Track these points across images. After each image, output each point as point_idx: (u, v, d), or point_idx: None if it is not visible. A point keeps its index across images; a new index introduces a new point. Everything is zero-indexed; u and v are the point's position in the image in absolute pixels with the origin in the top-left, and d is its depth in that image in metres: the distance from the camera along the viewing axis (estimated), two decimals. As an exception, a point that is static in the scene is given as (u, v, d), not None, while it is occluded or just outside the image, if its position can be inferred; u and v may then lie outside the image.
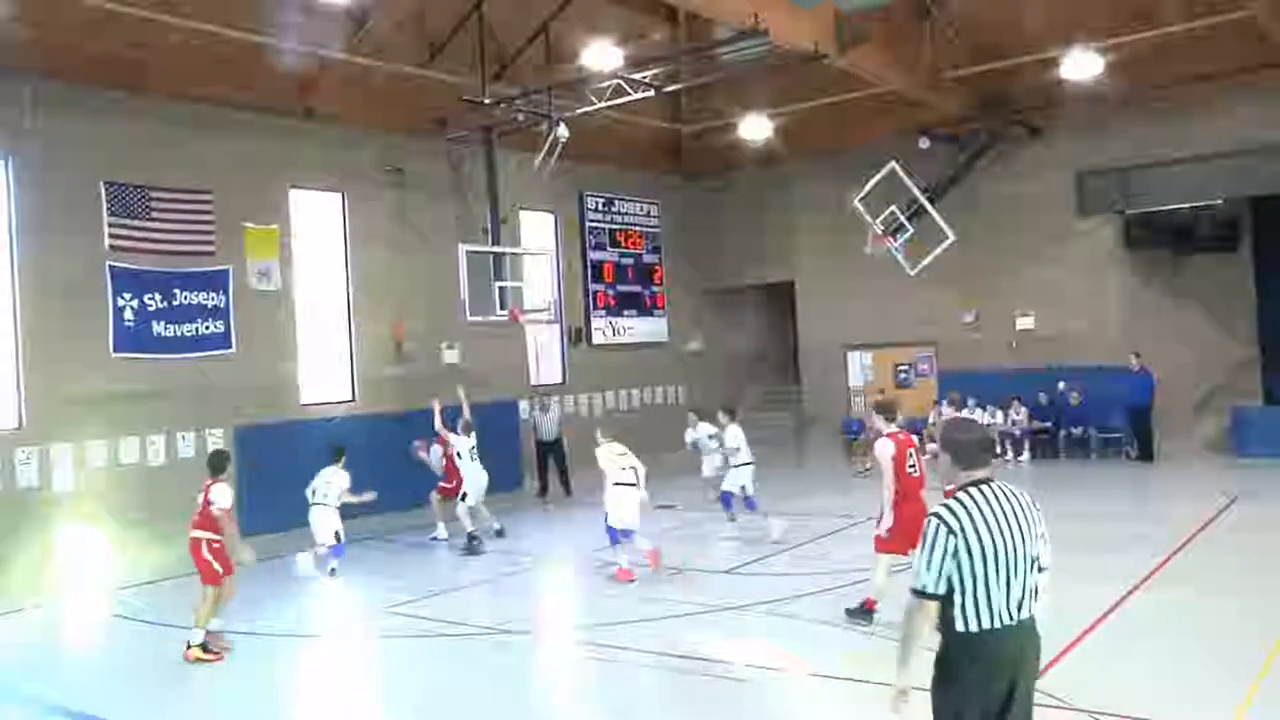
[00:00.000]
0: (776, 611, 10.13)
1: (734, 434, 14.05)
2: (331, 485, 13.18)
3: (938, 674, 4.47)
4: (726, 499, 14.23)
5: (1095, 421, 20.01)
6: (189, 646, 9.44)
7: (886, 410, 9.75)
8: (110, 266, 14.90)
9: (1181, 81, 18.75)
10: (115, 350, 14.94)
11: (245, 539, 15.31)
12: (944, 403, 12.65)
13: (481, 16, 17.34)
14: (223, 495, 9.61)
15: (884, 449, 9.31)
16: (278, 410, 16.70)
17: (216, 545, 9.67)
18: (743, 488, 13.89)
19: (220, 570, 9.70)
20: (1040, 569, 4.56)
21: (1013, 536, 4.42)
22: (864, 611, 9.34)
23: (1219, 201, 19.24)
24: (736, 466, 13.97)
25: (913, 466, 9.40)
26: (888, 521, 9.23)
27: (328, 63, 16.95)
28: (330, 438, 14.35)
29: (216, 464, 9.96)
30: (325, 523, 13.21)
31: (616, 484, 11.93)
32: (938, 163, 20.58)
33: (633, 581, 11.63)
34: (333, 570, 13.07)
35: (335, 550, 13.17)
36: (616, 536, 11.96)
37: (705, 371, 25.11)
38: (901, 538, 9.10)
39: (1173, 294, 20.12)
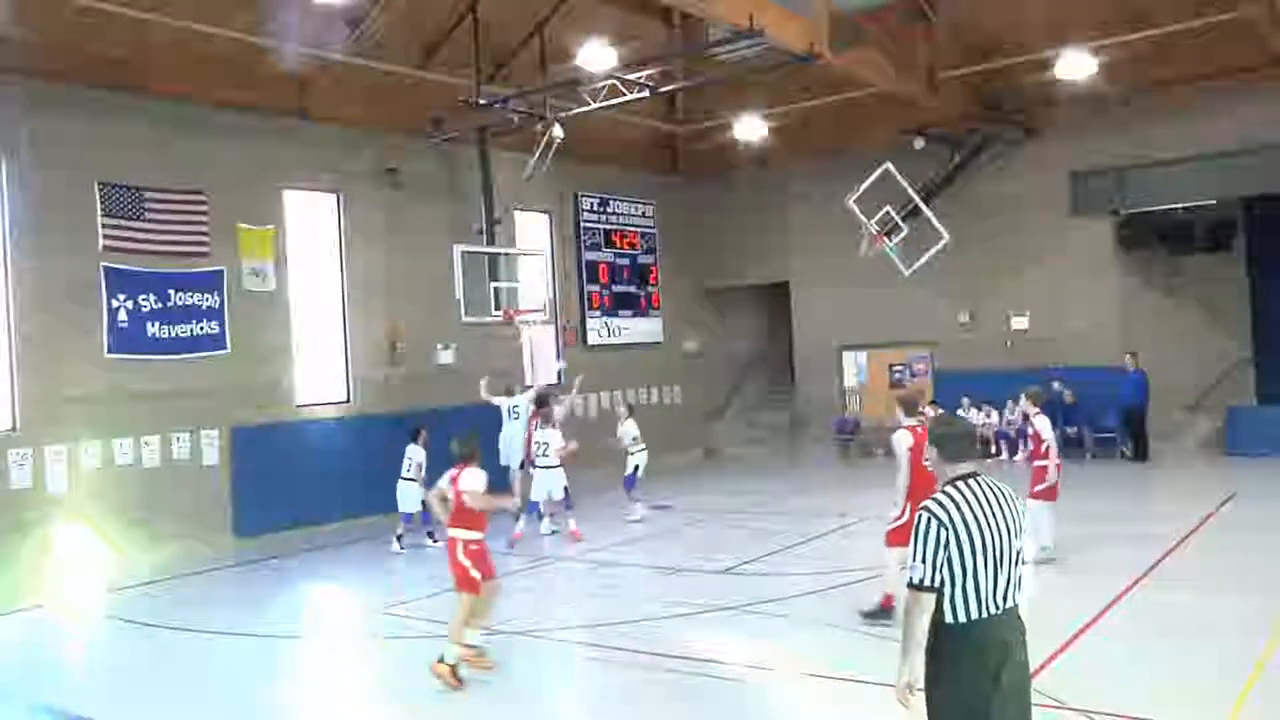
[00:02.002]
0: (773, 611, 10.13)
1: (628, 427, 16.36)
2: (412, 461, 14.40)
3: (931, 668, 4.55)
4: (631, 480, 16.23)
5: (1090, 421, 20.04)
6: (440, 660, 8.21)
7: (908, 403, 9.68)
8: (104, 268, 14.86)
9: (1176, 82, 18.77)
10: (109, 351, 14.89)
11: (240, 540, 15.59)
12: (1023, 399, 12.58)
13: (476, 17, 17.33)
14: (475, 480, 8.37)
15: (901, 440, 9.25)
16: (273, 411, 16.68)
17: (475, 546, 8.41)
18: (636, 468, 16.14)
19: (479, 575, 8.40)
20: (1024, 561, 4.70)
21: (999, 528, 4.56)
22: (882, 611, 9.20)
23: (1213, 202, 19.27)
24: (632, 454, 16.18)
25: (928, 460, 9.33)
26: (904, 516, 9.01)
27: (323, 63, 16.94)
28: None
29: (465, 448, 8.61)
30: (409, 495, 14.34)
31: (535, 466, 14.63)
32: (933, 163, 20.60)
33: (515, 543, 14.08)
34: (399, 537, 14.39)
35: (405, 519, 14.51)
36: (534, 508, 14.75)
37: (701, 372, 25.10)
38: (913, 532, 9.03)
39: (1167, 294, 20.15)
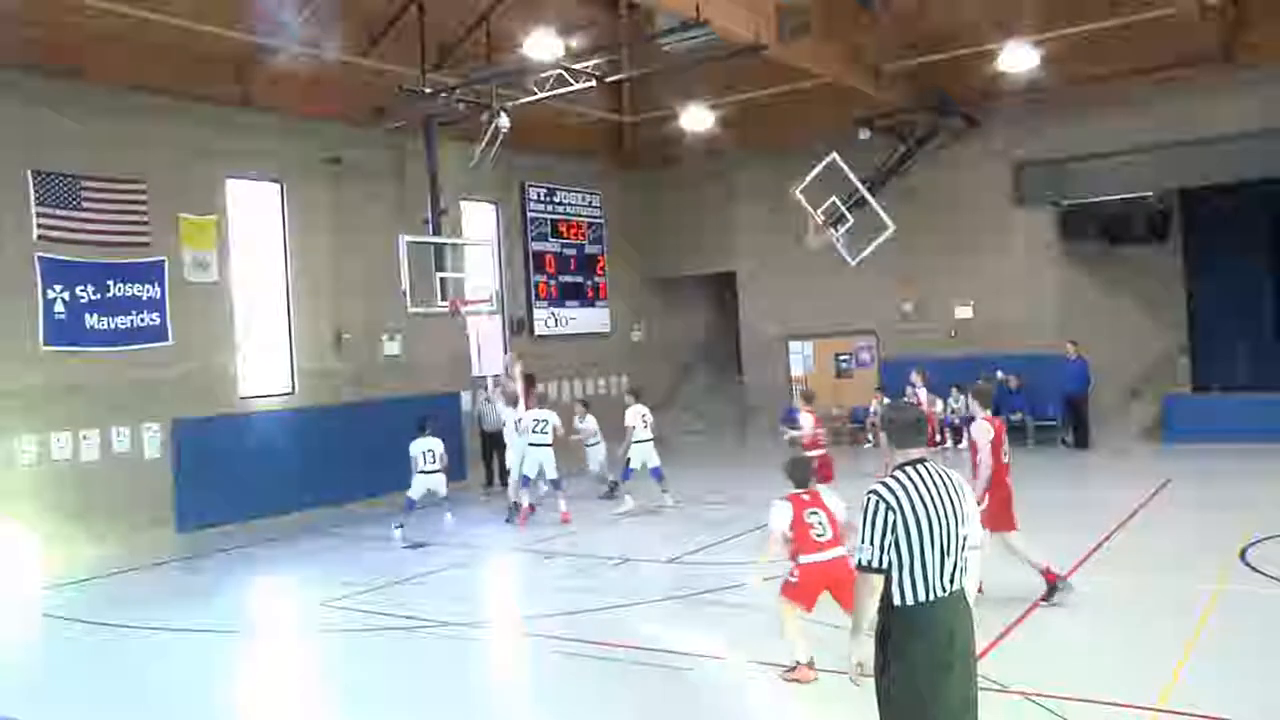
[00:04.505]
0: (722, 600, 10.17)
1: (632, 414, 15.68)
2: (434, 451, 14.43)
3: (881, 650, 4.63)
4: (627, 473, 15.68)
5: (1032, 409, 20.33)
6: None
7: (983, 396, 9.89)
8: (40, 258, 14.53)
9: (1113, 76, 19.10)
10: (46, 343, 14.57)
11: (182, 534, 15.37)
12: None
13: (421, 5, 17.17)
14: (838, 499, 7.86)
15: (983, 432, 9.40)
16: (215, 403, 16.45)
17: None
18: (644, 463, 15.51)
19: None
20: (971, 547, 4.78)
21: (946, 513, 4.65)
22: (1051, 589, 9.20)
23: (1150, 194, 19.62)
24: (636, 443, 15.51)
25: (1006, 451, 9.57)
26: (983, 502, 9.07)
27: (265, 50, 16.69)
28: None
29: (806, 471, 7.99)
30: (442, 482, 14.56)
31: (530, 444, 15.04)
32: (878, 153, 20.75)
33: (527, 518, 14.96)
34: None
35: (525, 481, 14.99)
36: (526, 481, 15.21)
37: (648, 361, 25.13)
38: (992, 519, 9.01)
39: (1107, 284, 20.49)
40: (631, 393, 16.44)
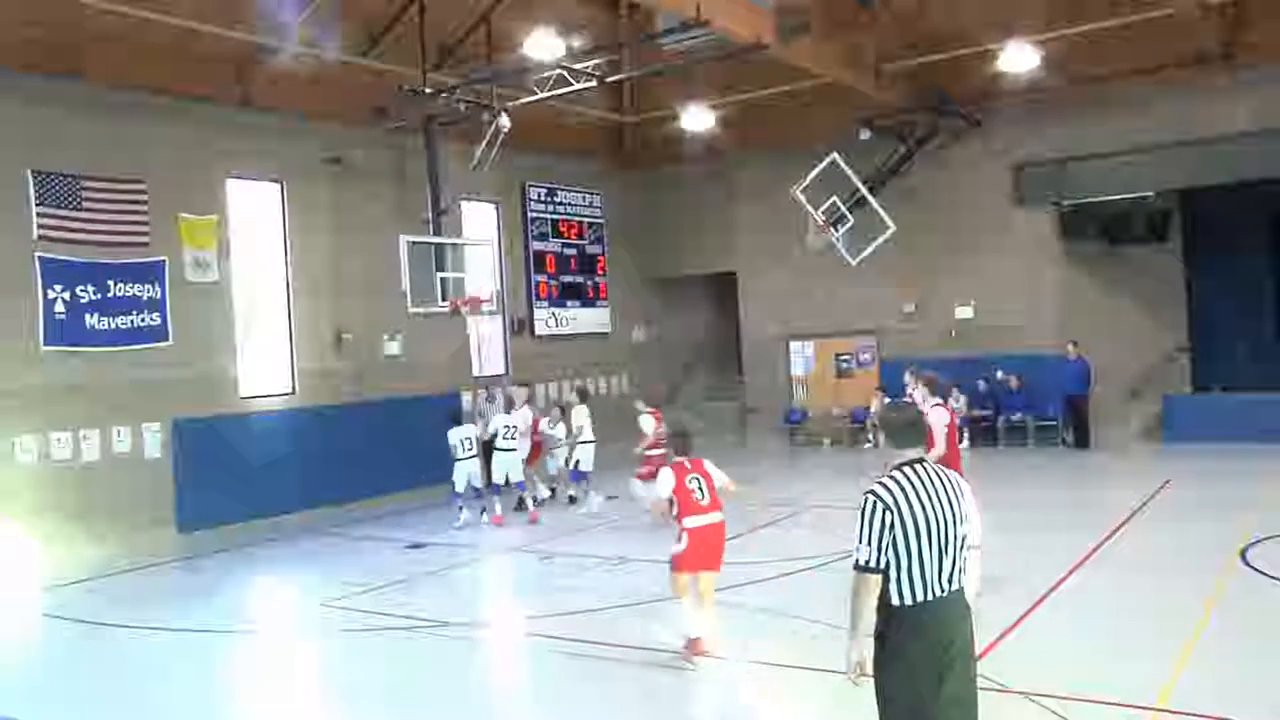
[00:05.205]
0: (718, 601, 10.12)
1: (578, 414, 15.93)
2: (470, 439, 15.07)
3: (880, 650, 4.64)
4: (577, 475, 16.03)
5: (1032, 409, 20.34)
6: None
7: (933, 385, 10.39)
8: (40, 258, 14.53)
9: (1113, 76, 19.08)
10: (46, 343, 14.56)
11: (183, 534, 15.37)
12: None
13: (421, 5, 17.17)
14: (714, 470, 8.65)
15: (939, 416, 9.71)
16: (215, 403, 16.44)
17: None
18: (578, 462, 15.87)
19: None
20: (970, 547, 4.81)
21: (944, 513, 4.65)
22: None
23: (1151, 194, 19.62)
24: (580, 443, 15.84)
25: (962, 440, 10.10)
26: None
27: (265, 50, 16.68)
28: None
29: (691, 440, 8.75)
30: (478, 470, 15.17)
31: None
32: (878, 154, 20.74)
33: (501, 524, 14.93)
34: (483, 511, 15.09)
35: (495, 489, 15.27)
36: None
37: (649, 362, 25.12)
38: None
39: (1107, 284, 20.49)
40: (578, 393, 16.76)
